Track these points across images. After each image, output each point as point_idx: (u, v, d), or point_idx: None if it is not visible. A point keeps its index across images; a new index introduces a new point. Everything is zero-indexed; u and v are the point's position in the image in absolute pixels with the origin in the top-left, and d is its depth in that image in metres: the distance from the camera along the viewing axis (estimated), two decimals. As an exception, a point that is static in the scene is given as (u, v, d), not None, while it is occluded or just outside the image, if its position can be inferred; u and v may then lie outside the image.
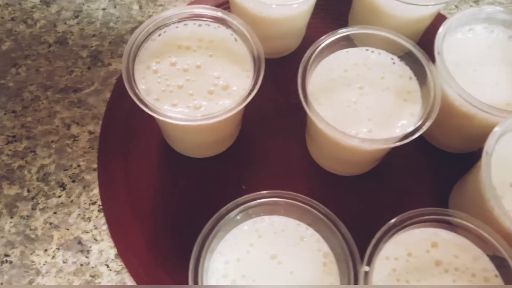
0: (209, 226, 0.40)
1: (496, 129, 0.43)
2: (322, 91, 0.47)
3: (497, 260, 0.40)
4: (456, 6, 0.67)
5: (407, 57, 0.48)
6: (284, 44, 0.58)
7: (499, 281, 0.40)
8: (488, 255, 0.41)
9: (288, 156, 0.54)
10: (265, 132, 0.55)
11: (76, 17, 0.62)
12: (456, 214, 0.41)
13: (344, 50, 0.49)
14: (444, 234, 0.41)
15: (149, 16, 0.63)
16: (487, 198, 0.41)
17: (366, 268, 0.38)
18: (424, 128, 0.43)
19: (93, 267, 0.48)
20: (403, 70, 0.49)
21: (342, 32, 0.48)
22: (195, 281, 0.38)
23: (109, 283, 0.48)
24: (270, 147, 0.55)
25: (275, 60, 0.59)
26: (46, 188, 0.52)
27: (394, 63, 0.49)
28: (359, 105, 0.47)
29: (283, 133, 0.55)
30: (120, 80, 0.58)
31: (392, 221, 0.40)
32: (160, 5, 0.64)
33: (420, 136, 0.55)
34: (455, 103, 0.47)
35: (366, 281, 0.38)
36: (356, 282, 0.38)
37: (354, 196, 0.53)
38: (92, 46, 0.60)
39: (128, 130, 0.55)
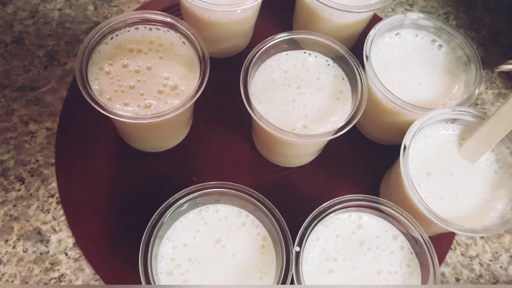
0: (158, 215, 0.44)
1: (414, 123, 0.49)
2: (264, 90, 0.52)
3: (412, 239, 0.46)
4: (393, 9, 0.72)
5: (339, 60, 0.53)
6: (232, 45, 0.62)
7: (413, 257, 0.46)
8: (404, 235, 0.46)
9: (236, 150, 0.59)
10: (214, 128, 0.59)
11: (33, 17, 0.64)
12: (379, 200, 0.46)
13: (284, 53, 0.54)
14: (368, 217, 0.47)
15: (104, 17, 0.66)
16: (406, 186, 0.47)
17: (297, 249, 0.43)
18: (352, 124, 0.48)
19: (52, 256, 0.52)
20: (337, 72, 0.54)
21: (282, 36, 0.52)
22: (145, 265, 0.42)
23: (68, 270, 0.51)
24: (219, 141, 0.59)
25: (225, 59, 0.63)
26: (5, 182, 0.55)
27: (329, 65, 0.54)
28: (296, 103, 0.51)
29: (231, 128, 0.60)
30: (75, 78, 0.60)
31: (322, 206, 0.45)
32: (115, 6, 0.67)
33: (356, 130, 0.61)
34: (382, 101, 0.53)
35: (297, 260, 0.43)
36: (288, 261, 0.43)
37: (294, 184, 0.57)
38: (48, 46, 0.62)
39: (84, 126, 0.57)
